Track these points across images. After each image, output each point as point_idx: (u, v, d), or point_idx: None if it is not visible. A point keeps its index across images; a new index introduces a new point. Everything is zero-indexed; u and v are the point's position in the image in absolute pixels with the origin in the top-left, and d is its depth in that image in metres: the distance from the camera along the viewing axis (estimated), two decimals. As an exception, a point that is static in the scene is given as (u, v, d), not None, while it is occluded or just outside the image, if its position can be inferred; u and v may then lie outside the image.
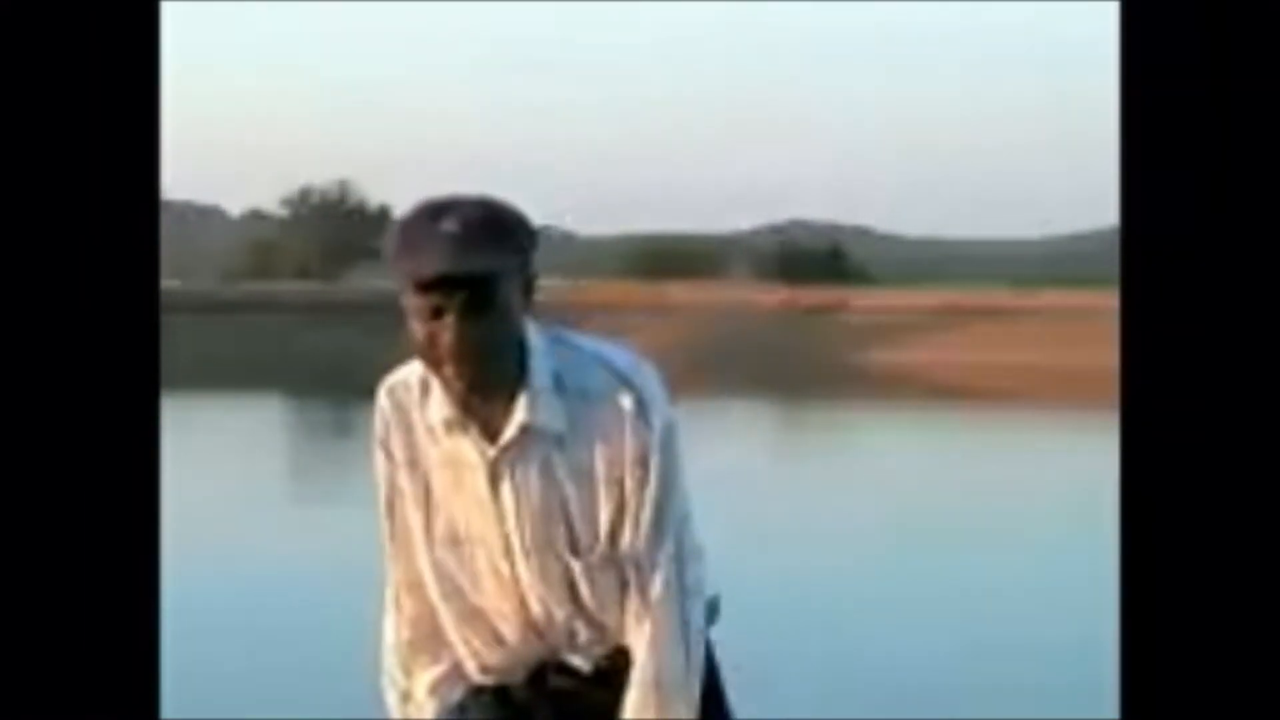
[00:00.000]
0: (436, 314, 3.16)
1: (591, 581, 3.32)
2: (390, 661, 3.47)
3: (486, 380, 3.22)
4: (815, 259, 77.79)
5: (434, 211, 3.19)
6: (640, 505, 3.29)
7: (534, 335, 3.27)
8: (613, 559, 3.31)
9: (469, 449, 3.29)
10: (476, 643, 3.40)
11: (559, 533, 3.30)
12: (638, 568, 3.31)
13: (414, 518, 3.36)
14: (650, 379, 3.31)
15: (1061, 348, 47.85)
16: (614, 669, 3.36)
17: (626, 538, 3.30)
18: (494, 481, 3.29)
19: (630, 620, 3.33)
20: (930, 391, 40.69)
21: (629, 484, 3.28)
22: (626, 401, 3.27)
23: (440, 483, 3.33)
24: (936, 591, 13.18)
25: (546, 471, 3.28)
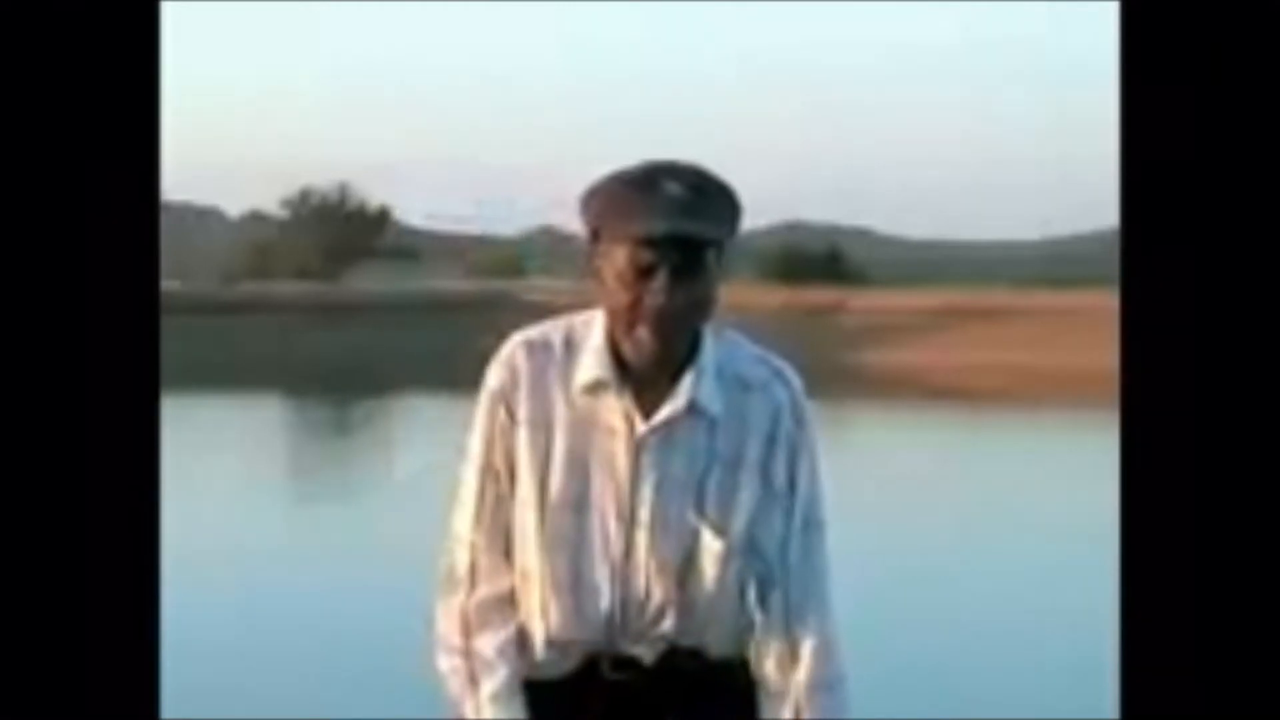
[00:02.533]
0: (647, 273, 3.18)
1: (709, 567, 3.30)
2: (449, 625, 3.36)
3: (677, 348, 3.25)
4: (815, 260, 77.75)
5: (657, 171, 3.22)
6: (794, 501, 3.35)
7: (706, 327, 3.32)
8: (744, 549, 3.32)
9: (615, 415, 3.27)
10: (554, 613, 3.32)
11: (689, 514, 3.29)
12: (787, 565, 3.35)
13: (527, 479, 3.30)
14: (800, 382, 3.38)
15: (1060, 348, 47.85)
16: (673, 667, 3.34)
17: (775, 530, 3.34)
18: (638, 451, 3.27)
19: (771, 617, 3.34)
20: (930, 392, 40.69)
21: (779, 476, 3.33)
22: (783, 396, 3.34)
23: (566, 445, 3.29)
24: (935, 591, 13.18)
25: (694, 451, 3.29)
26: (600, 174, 3.31)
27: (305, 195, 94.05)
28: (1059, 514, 17.98)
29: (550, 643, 3.35)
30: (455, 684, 3.36)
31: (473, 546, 3.36)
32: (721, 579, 3.31)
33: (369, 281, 75.27)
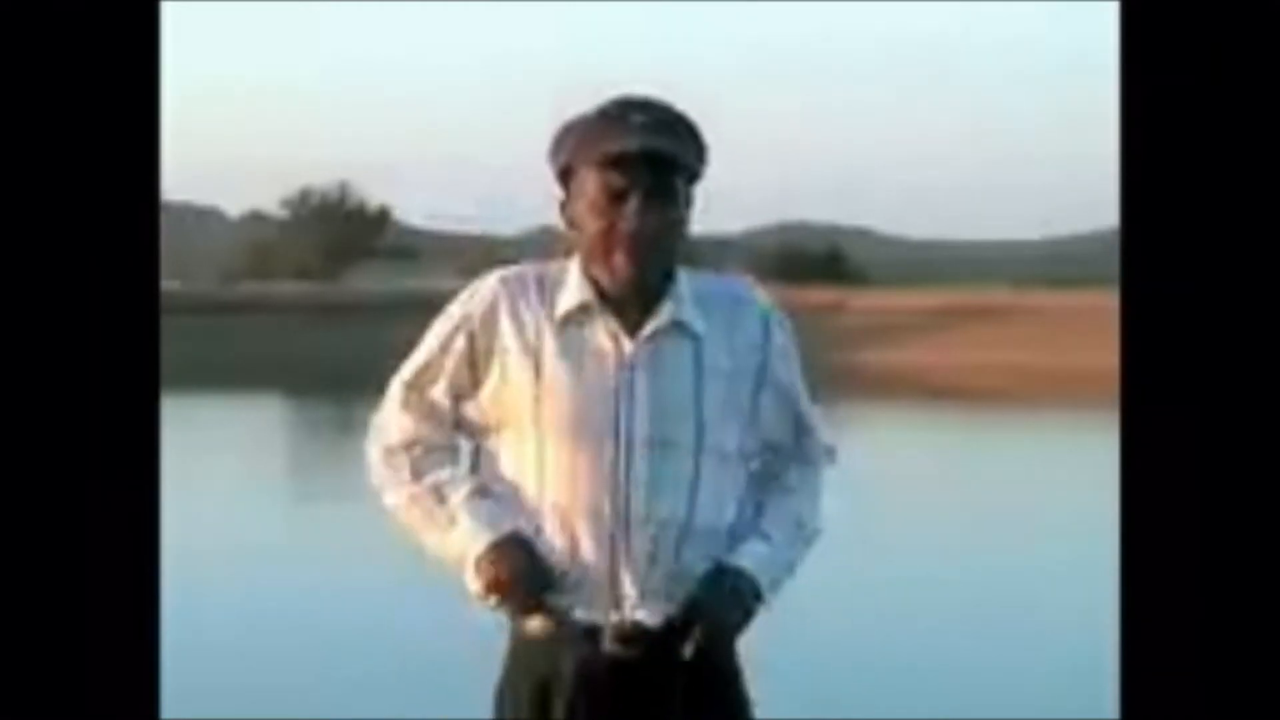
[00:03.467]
0: (619, 197, 3.28)
1: (713, 477, 3.35)
2: (388, 463, 3.44)
3: (654, 269, 3.33)
4: (815, 260, 77.80)
5: (623, 104, 3.34)
6: (796, 395, 3.47)
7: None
8: (742, 457, 3.41)
9: (602, 338, 3.33)
10: (553, 535, 3.33)
11: (688, 427, 3.33)
12: (801, 449, 3.48)
13: (521, 403, 3.33)
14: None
15: (1060, 348, 47.83)
16: (683, 633, 3.33)
17: (785, 428, 3.46)
18: (629, 371, 3.32)
19: (783, 485, 3.46)
20: (929, 392, 40.67)
21: (778, 380, 3.43)
22: (766, 305, 3.45)
23: (554, 372, 3.32)
24: (935, 591, 13.17)
25: (683, 366, 3.35)
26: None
27: (305, 195, 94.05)
28: (1059, 514, 17.97)
29: (549, 556, 3.34)
30: (415, 512, 3.40)
31: (402, 431, 3.42)
32: (729, 488, 3.38)
33: (369, 281, 75.25)
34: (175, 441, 11.30)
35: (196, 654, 9.55)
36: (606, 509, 3.31)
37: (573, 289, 3.35)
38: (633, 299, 3.33)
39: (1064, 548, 15.29)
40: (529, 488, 3.35)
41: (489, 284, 3.40)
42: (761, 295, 3.46)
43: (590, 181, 3.31)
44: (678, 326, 3.34)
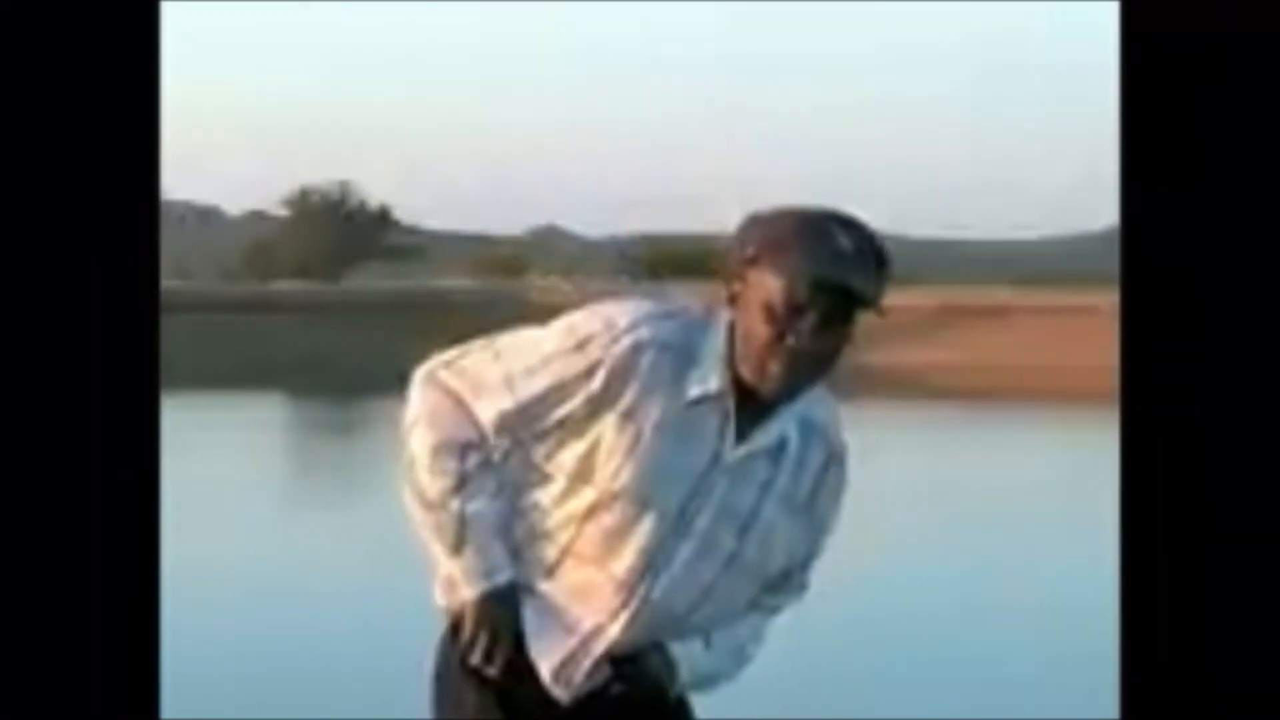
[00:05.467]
0: (797, 312, 3.21)
1: (736, 591, 3.38)
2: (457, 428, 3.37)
3: (801, 389, 3.29)
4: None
5: (830, 220, 3.24)
6: (817, 546, 3.46)
7: None
8: (765, 581, 3.42)
9: (711, 430, 3.29)
10: (574, 571, 3.35)
11: (733, 536, 3.33)
12: (788, 580, 3.48)
13: (605, 461, 3.29)
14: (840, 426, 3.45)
15: (1061, 348, 47.84)
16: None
17: (792, 566, 3.45)
18: (718, 471, 3.30)
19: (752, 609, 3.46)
20: (930, 391, 40.68)
21: (816, 517, 3.42)
22: (837, 445, 3.42)
23: (651, 444, 3.28)
24: (935, 591, 13.17)
25: (755, 481, 3.34)
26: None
27: (305, 195, 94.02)
28: (1059, 513, 17.97)
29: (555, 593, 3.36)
30: (433, 520, 3.36)
31: (503, 412, 3.33)
32: (737, 604, 3.40)
33: (369, 281, 75.24)
34: (175, 441, 11.30)
35: (196, 654, 9.55)
36: (628, 579, 3.32)
37: (711, 377, 3.28)
38: (755, 398, 3.29)
39: (1064, 547, 15.29)
40: (559, 531, 3.35)
41: (642, 338, 3.29)
42: (837, 432, 3.41)
43: (771, 286, 3.21)
44: (777, 444, 3.33)
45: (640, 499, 3.30)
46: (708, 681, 3.45)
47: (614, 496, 3.30)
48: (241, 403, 35.85)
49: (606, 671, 3.36)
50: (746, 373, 3.26)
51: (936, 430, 31.11)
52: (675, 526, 3.31)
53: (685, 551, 3.32)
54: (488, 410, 3.33)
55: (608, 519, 3.31)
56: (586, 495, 3.32)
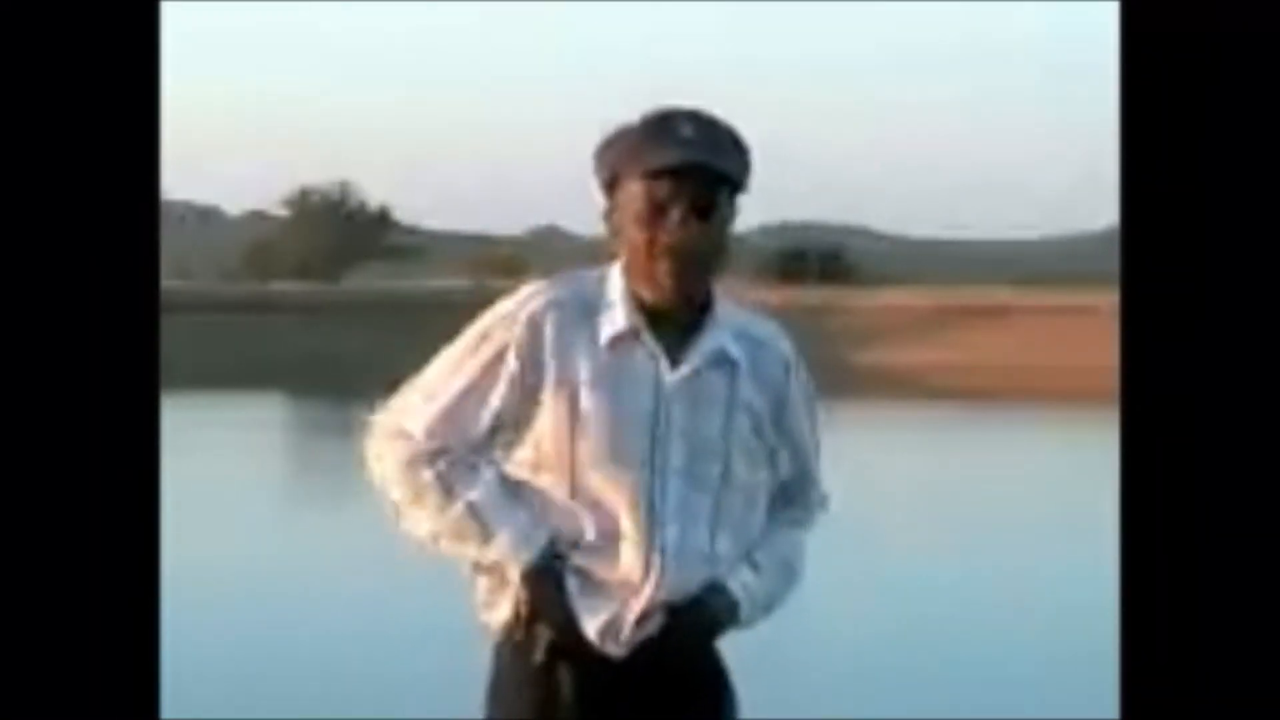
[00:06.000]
0: (663, 209, 3.26)
1: (739, 512, 3.39)
2: (431, 494, 3.37)
3: (697, 283, 3.32)
4: (815, 259, 77.76)
5: (669, 115, 3.32)
6: (806, 443, 3.50)
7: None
8: (760, 493, 3.43)
9: (644, 364, 3.32)
10: (582, 567, 3.34)
11: (716, 461, 3.35)
12: (803, 492, 3.53)
13: (552, 433, 3.31)
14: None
15: (1061, 348, 47.82)
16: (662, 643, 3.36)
17: (797, 469, 3.50)
18: (667, 402, 3.32)
19: (778, 523, 3.49)
20: (930, 391, 40.67)
21: (795, 425, 3.46)
22: (788, 350, 3.46)
23: (591, 400, 3.30)
24: (935, 591, 13.17)
25: (717, 399, 3.35)
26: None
27: (305, 195, 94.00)
28: (1059, 513, 17.96)
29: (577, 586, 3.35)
30: (449, 539, 3.35)
31: (448, 418, 3.36)
32: (747, 526, 3.41)
33: (369, 281, 75.22)
34: (175, 441, 11.29)
35: (196, 655, 9.55)
36: (637, 536, 3.31)
37: (618, 312, 3.32)
38: (675, 317, 3.32)
39: (1064, 547, 15.29)
40: (562, 512, 3.34)
41: (535, 307, 3.34)
42: (786, 341, 3.47)
43: (634, 193, 3.28)
44: (717, 357, 3.35)
45: (606, 455, 3.30)
46: (766, 607, 3.45)
47: (583, 464, 3.30)
48: (241, 403, 35.84)
49: (658, 620, 3.33)
50: (645, 292, 3.31)
51: (936, 430, 31.10)
52: (654, 467, 3.31)
53: (676, 489, 3.32)
54: (418, 425, 3.36)
55: (589, 486, 3.31)
56: (562, 474, 3.32)
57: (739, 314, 3.42)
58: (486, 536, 3.33)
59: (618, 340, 3.31)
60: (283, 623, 11.70)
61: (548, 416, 3.32)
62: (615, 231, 3.33)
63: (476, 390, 3.34)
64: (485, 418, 3.34)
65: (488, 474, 3.36)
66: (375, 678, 9.59)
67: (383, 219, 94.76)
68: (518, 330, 3.32)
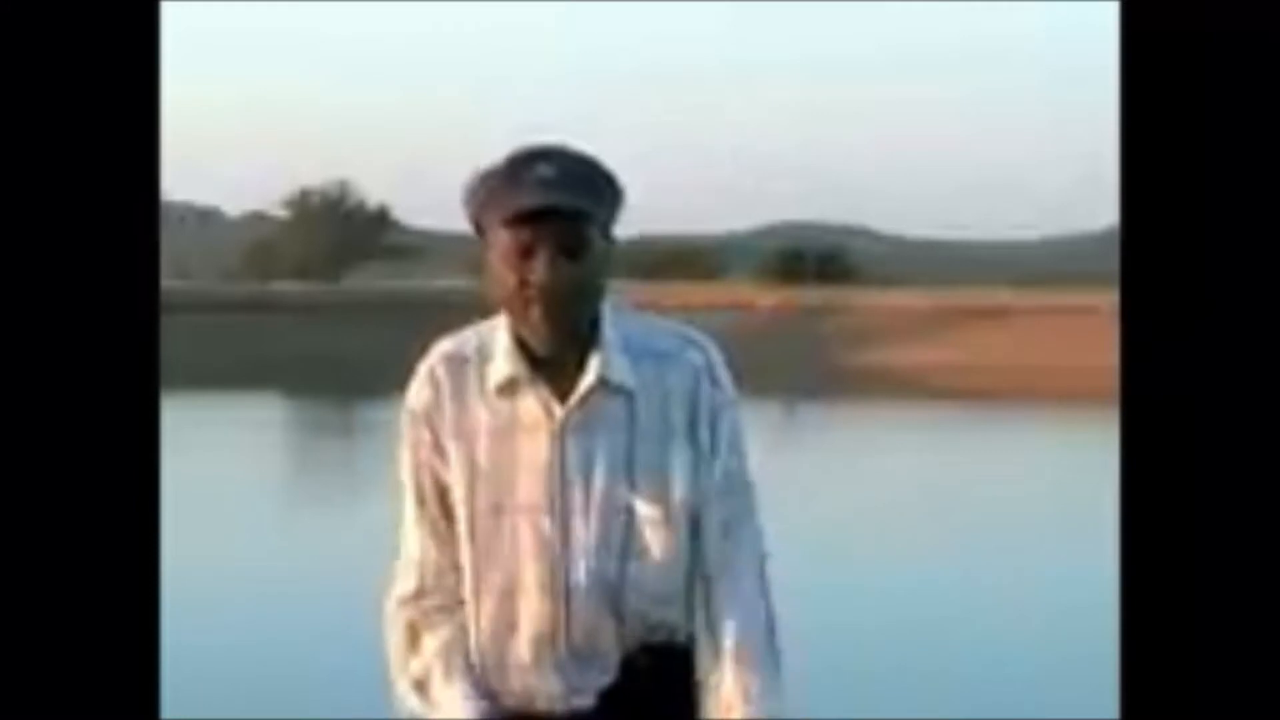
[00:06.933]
0: (527, 253, 3.21)
1: (653, 540, 3.28)
2: (399, 638, 3.39)
3: (570, 325, 3.24)
4: (815, 260, 77.76)
5: (529, 155, 3.25)
6: (719, 459, 3.32)
7: (605, 302, 3.32)
8: (683, 515, 3.30)
9: (533, 408, 3.27)
10: (490, 625, 3.31)
11: (622, 491, 3.27)
12: (719, 525, 3.31)
13: (457, 487, 3.30)
14: (714, 346, 3.38)
15: (1061, 348, 47.84)
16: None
17: (709, 489, 3.31)
18: (560, 439, 3.27)
19: (712, 571, 3.31)
20: (930, 392, 40.68)
21: (704, 438, 3.31)
22: (699, 359, 3.33)
23: (488, 449, 3.28)
24: (935, 591, 13.17)
25: (616, 429, 3.28)
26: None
27: (305, 195, 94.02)
28: (1059, 513, 17.97)
29: (492, 658, 3.33)
30: (417, 700, 3.39)
31: (421, 566, 3.37)
32: (666, 551, 3.29)
33: (369, 281, 75.24)
34: (175, 441, 11.29)
35: (197, 654, 9.55)
36: (546, 581, 3.27)
37: (501, 359, 3.29)
38: (562, 357, 3.27)
39: (1064, 547, 15.30)
40: (468, 569, 3.31)
41: (430, 363, 3.33)
42: (696, 350, 3.33)
43: (500, 239, 3.23)
44: (606, 385, 3.27)
45: (504, 501, 3.27)
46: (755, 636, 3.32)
47: (482, 512, 3.28)
48: (241, 402, 35.86)
49: (613, 661, 3.29)
50: (525, 335, 3.26)
51: (936, 430, 31.11)
52: (554, 509, 3.26)
53: (580, 527, 3.26)
54: (406, 588, 3.38)
55: (489, 533, 3.28)
56: (465, 523, 3.30)
57: (638, 331, 3.33)
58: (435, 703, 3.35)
59: (505, 387, 3.28)
60: (282, 622, 11.71)
61: (454, 468, 3.30)
62: (489, 272, 3.27)
63: (422, 476, 3.33)
64: (436, 495, 3.32)
65: (454, 627, 3.34)
66: (374, 678, 9.59)
67: (382, 219, 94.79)
68: (420, 392, 3.32)
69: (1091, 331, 43.55)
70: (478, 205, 3.26)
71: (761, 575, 3.35)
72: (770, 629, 3.34)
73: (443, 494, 3.33)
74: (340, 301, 61.59)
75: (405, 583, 3.38)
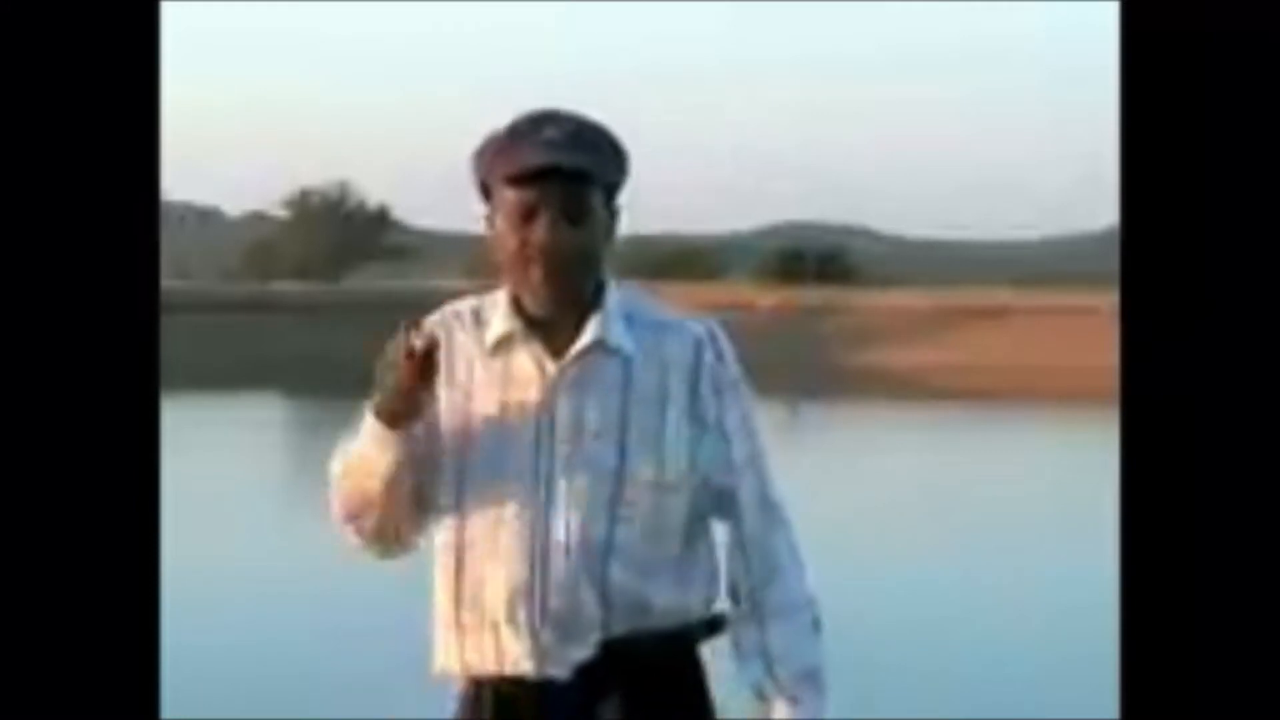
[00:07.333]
0: (530, 215, 3.21)
1: (643, 501, 3.24)
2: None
3: (570, 288, 3.24)
4: (815, 260, 77.74)
5: (535, 118, 3.25)
6: (728, 435, 3.30)
7: (609, 275, 3.32)
8: (692, 487, 3.28)
9: (526, 364, 3.27)
10: (474, 576, 3.28)
11: (612, 453, 3.24)
12: (735, 499, 3.31)
13: (447, 437, 3.29)
14: (720, 328, 3.36)
15: (1061, 348, 47.84)
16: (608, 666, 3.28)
17: (720, 464, 3.30)
18: (551, 395, 3.25)
19: (747, 547, 3.31)
20: (930, 392, 40.67)
21: (709, 412, 3.29)
22: (701, 331, 3.32)
23: (479, 403, 3.28)
24: (935, 591, 13.18)
25: (610, 390, 3.26)
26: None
27: (305, 195, 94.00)
28: (1059, 513, 17.97)
29: (470, 610, 3.28)
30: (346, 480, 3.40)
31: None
32: (656, 518, 3.26)
33: (369, 281, 75.22)
34: (175, 441, 11.28)
35: (197, 655, 9.55)
36: (526, 538, 3.23)
37: (499, 317, 3.29)
38: (560, 320, 3.26)
39: (1064, 547, 15.30)
40: (454, 526, 3.30)
41: (433, 320, 3.33)
42: (698, 324, 3.32)
43: (503, 199, 3.23)
44: (602, 346, 3.26)
45: (493, 455, 3.25)
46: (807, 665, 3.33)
47: (473, 465, 3.26)
48: (241, 402, 35.85)
49: (595, 636, 3.24)
50: (523, 297, 3.26)
51: (936, 430, 31.11)
52: (539, 468, 3.23)
53: (567, 482, 3.22)
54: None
55: (478, 488, 3.26)
56: (453, 476, 3.29)
57: (641, 304, 3.33)
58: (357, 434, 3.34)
59: (500, 345, 3.28)
60: (282, 622, 11.71)
61: (445, 418, 3.30)
62: (493, 237, 3.27)
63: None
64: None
65: None
66: (374, 677, 9.59)
67: (382, 219, 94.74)
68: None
69: (1091, 331, 43.54)
70: (484, 165, 3.27)
71: (795, 546, 3.35)
72: (808, 591, 3.35)
73: (421, 421, 3.28)
74: (340, 301, 61.54)
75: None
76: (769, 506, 3.34)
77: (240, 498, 19.05)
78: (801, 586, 3.36)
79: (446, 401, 3.30)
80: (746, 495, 3.32)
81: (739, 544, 3.33)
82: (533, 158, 3.20)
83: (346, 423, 3.45)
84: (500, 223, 3.25)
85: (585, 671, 3.26)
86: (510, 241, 3.23)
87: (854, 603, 12.06)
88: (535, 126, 3.24)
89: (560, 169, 3.19)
